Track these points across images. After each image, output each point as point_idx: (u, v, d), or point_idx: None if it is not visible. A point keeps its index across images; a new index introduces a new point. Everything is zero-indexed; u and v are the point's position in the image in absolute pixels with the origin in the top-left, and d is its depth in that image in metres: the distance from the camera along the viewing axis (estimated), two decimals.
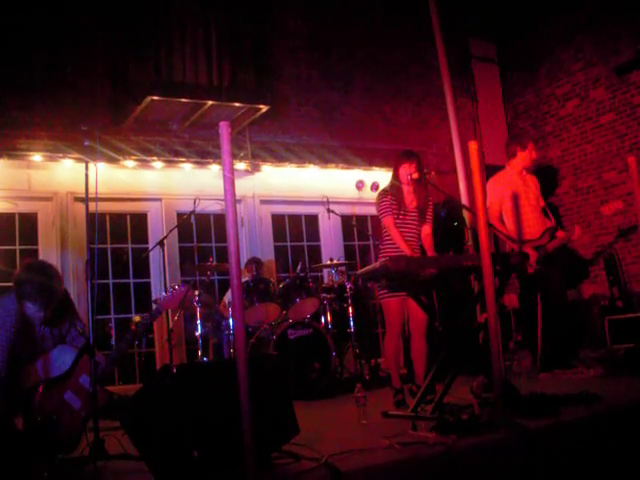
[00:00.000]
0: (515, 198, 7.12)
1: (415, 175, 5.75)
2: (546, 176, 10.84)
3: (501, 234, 6.97)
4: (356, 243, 10.49)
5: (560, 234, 7.19)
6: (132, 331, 4.65)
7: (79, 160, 8.02)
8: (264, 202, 9.77)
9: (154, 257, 8.58)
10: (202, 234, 9.28)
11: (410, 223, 5.82)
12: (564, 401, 4.61)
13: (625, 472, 4.15)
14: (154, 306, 4.82)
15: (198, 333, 7.63)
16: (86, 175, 4.47)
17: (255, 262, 8.58)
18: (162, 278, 7.79)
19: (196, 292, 7.72)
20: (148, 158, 8.71)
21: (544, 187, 7.74)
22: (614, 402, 4.73)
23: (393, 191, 5.86)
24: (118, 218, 8.85)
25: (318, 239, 10.26)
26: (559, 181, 11.01)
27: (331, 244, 10.16)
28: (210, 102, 8.37)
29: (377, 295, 5.90)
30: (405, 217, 5.81)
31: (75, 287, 8.20)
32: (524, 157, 7.30)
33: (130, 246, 8.89)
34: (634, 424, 4.42)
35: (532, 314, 7.15)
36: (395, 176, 5.92)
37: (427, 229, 5.95)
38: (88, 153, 4.71)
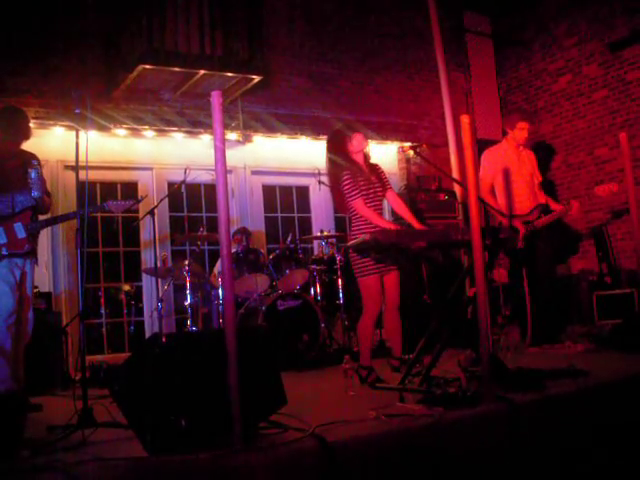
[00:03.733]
0: (507, 173, 7.12)
1: (366, 143, 5.66)
2: (538, 151, 10.86)
3: (491, 208, 6.95)
4: (347, 215, 10.45)
5: (557, 207, 7.20)
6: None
7: (70, 128, 7.98)
8: (255, 173, 9.76)
9: (144, 226, 8.58)
10: (192, 204, 9.28)
11: (378, 192, 5.67)
12: (550, 376, 4.64)
13: (609, 447, 4.19)
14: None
15: (187, 303, 7.63)
16: (76, 143, 4.48)
17: (243, 232, 8.56)
18: (152, 247, 7.77)
19: (186, 262, 7.72)
20: (139, 127, 8.67)
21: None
22: (600, 377, 4.77)
23: (354, 169, 5.60)
24: (108, 187, 8.82)
25: (309, 211, 10.27)
26: (551, 156, 11.01)
27: (322, 216, 10.17)
28: (202, 71, 8.30)
29: (356, 273, 5.64)
30: (375, 189, 5.64)
31: (65, 255, 8.19)
32: (514, 136, 7.29)
33: (120, 215, 8.84)
34: (619, 399, 4.46)
35: (520, 290, 7.18)
36: (344, 152, 5.64)
37: (393, 194, 5.82)
38: (79, 121, 4.67)
